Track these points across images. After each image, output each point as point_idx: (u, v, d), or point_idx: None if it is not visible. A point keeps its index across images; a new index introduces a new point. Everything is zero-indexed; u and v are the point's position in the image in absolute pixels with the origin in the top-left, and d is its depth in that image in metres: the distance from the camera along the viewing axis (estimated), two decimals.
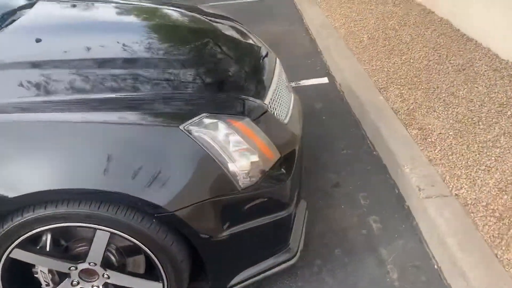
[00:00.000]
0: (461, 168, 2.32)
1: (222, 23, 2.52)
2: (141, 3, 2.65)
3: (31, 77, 1.66)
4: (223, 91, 1.80)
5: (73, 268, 1.59)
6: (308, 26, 4.90)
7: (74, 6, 2.33)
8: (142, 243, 1.51)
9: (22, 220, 1.44)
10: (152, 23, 2.35)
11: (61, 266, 1.59)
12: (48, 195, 1.42)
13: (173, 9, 2.56)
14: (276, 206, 1.72)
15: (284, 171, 1.78)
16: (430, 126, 2.68)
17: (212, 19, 2.53)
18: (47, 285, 1.64)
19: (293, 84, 3.67)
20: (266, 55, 2.25)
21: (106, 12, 2.43)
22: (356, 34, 4.19)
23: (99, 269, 1.60)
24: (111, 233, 1.49)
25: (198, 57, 1.98)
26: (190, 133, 1.52)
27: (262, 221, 1.67)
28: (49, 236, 1.54)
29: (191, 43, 2.12)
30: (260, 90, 1.92)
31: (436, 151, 2.46)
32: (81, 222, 1.46)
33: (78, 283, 1.63)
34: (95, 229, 1.48)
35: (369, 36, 4.09)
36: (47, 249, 1.55)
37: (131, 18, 2.41)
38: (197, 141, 1.52)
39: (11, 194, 1.40)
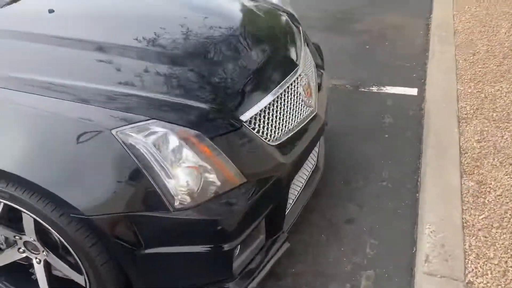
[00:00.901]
0: (499, 250, 1.80)
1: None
2: None
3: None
4: (195, 97, 1.60)
5: (17, 237, 1.66)
6: (430, 23, 4.25)
7: None
8: (62, 237, 1.50)
9: None
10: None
11: (7, 233, 1.67)
12: None
13: None
14: (217, 236, 1.54)
15: (241, 200, 1.57)
16: (492, 183, 2.12)
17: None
18: (2, 244, 1.77)
19: (374, 88, 3.28)
20: (287, 55, 1.97)
21: None
22: (473, 43, 3.49)
23: (38, 245, 1.65)
24: (34, 219, 1.50)
25: (183, 50, 1.76)
26: (122, 140, 1.41)
27: (191, 249, 1.52)
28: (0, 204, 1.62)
29: (186, 32, 1.90)
30: (251, 99, 1.69)
31: (480, 217, 1.95)
32: (9, 201, 1.49)
33: (24, 251, 1.71)
34: (21, 211, 1.51)
35: (487, 49, 3.37)
36: None
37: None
38: (128, 150, 1.41)
39: None
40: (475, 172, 2.21)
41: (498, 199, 2.04)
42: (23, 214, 1.52)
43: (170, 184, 1.45)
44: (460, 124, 2.58)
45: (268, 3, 2.37)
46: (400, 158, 2.56)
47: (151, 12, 2.06)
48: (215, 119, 1.57)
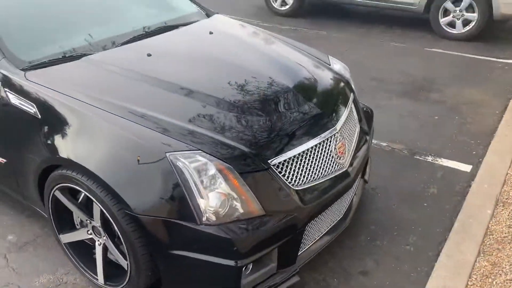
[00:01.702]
0: None
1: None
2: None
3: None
4: (237, 139, 2.00)
5: (88, 221, 2.17)
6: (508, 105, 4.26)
7: (211, 33, 2.85)
8: (117, 227, 1.96)
9: (55, 173, 2.10)
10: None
11: (82, 217, 2.19)
12: (72, 164, 2.01)
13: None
14: (231, 252, 1.89)
15: (257, 228, 1.91)
16: (507, 267, 2.21)
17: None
18: (78, 225, 2.29)
19: (429, 158, 3.44)
20: (326, 114, 2.29)
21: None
22: None
23: (101, 231, 2.14)
24: (101, 209, 1.99)
25: (237, 100, 2.19)
26: (173, 162, 1.85)
27: (209, 258, 1.89)
28: (82, 194, 2.15)
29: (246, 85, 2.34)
30: (282, 148, 2.04)
31: None
32: (87, 192, 2.00)
33: (91, 234, 2.21)
34: (93, 201, 2.01)
35: None
36: (78, 201, 2.18)
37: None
38: (175, 170, 1.85)
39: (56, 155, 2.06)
40: (493, 253, 2.31)
41: (507, 283, 2.13)
42: (94, 204, 2.03)
43: (202, 203, 1.86)
44: (497, 207, 2.66)
45: (328, 70, 2.74)
46: (430, 228, 2.70)
47: (225, 62, 2.53)
48: (247, 159, 1.95)
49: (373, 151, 3.34)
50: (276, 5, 7.29)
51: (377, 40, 6.16)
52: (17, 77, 2.20)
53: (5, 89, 2.21)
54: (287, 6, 7.20)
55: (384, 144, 3.61)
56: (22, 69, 2.23)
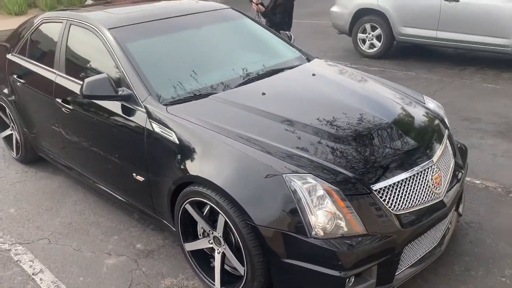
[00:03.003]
0: None
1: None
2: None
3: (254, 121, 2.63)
4: (343, 165, 2.30)
5: (210, 231, 2.56)
6: None
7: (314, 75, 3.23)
8: (238, 236, 2.32)
9: (188, 189, 2.51)
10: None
11: (206, 227, 2.59)
12: (203, 181, 2.42)
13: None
14: (333, 264, 2.15)
15: (359, 245, 2.16)
16: None
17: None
18: (200, 235, 2.69)
19: None
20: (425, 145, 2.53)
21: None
22: None
23: (222, 240, 2.51)
24: (225, 220, 2.37)
25: (343, 132, 2.51)
26: (287, 182, 2.19)
27: (317, 268, 2.16)
28: (207, 207, 2.55)
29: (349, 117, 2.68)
30: (383, 175, 2.31)
31: None
32: (214, 205, 2.39)
33: (212, 243, 2.59)
34: (218, 212, 2.39)
35: None
36: (203, 214, 2.58)
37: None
38: (290, 189, 2.18)
39: (187, 173, 2.49)
40: None
41: None
42: (219, 215, 2.41)
43: (312, 219, 2.17)
44: None
45: (423, 107, 2.98)
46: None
47: (329, 100, 2.89)
48: (352, 183, 2.24)
49: (466, 188, 3.44)
50: (364, 47, 7.60)
51: (468, 81, 6.19)
52: (160, 111, 2.71)
53: (150, 120, 2.72)
54: (375, 49, 7.49)
55: (478, 181, 3.67)
56: (164, 104, 2.74)
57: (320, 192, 2.19)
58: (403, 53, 7.70)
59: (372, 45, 7.53)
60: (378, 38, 7.40)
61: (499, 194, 3.51)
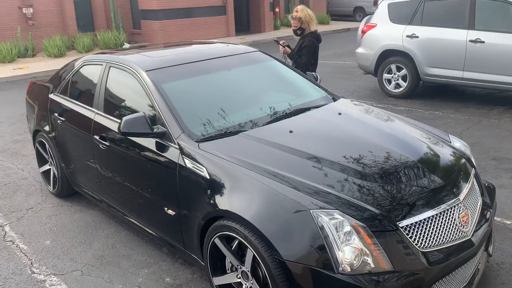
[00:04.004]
0: None
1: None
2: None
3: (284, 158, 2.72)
4: (370, 202, 2.35)
5: (239, 266, 2.61)
6: None
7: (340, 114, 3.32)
8: (266, 271, 2.36)
9: (217, 223, 2.59)
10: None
11: (234, 262, 2.64)
12: (232, 216, 2.49)
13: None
14: None
15: (386, 281, 2.17)
16: None
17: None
18: (228, 269, 2.74)
19: None
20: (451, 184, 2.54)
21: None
22: None
23: (249, 275, 2.56)
24: (253, 255, 2.42)
25: (369, 170, 2.57)
26: (315, 218, 2.24)
27: None
28: (236, 242, 2.62)
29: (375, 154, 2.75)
30: (409, 213, 2.35)
31: None
32: (243, 239, 2.45)
33: (240, 278, 2.64)
34: (247, 247, 2.45)
35: None
36: (232, 248, 2.64)
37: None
38: (318, 225, 2.23)
39: (217, 208, 2.58)
40: None
41: None
42: (248, 250, 2.47)
43: (339, 255, 2.20)
44: None
45: (449, 146, 3.02)
46: None
47: (356, 138, 2.96)
48: (379, 220, 2.28)
49: (497, 228, 3.40)
50: (390, 87, 7.70)
51: (496, 121, 6.16)
52: (193, 147, 2.84)
53: (183, 156, 2.85)
54: (401, 89, 7.57)
55: (508, 222, 3.62)
56: (196, 141, 2.88)
57: (347, 228, 2.24)
58: (429, 93, 7.74)
59: (398, 85, 7.61)
60: (404, 78, 7.49)
61: None
